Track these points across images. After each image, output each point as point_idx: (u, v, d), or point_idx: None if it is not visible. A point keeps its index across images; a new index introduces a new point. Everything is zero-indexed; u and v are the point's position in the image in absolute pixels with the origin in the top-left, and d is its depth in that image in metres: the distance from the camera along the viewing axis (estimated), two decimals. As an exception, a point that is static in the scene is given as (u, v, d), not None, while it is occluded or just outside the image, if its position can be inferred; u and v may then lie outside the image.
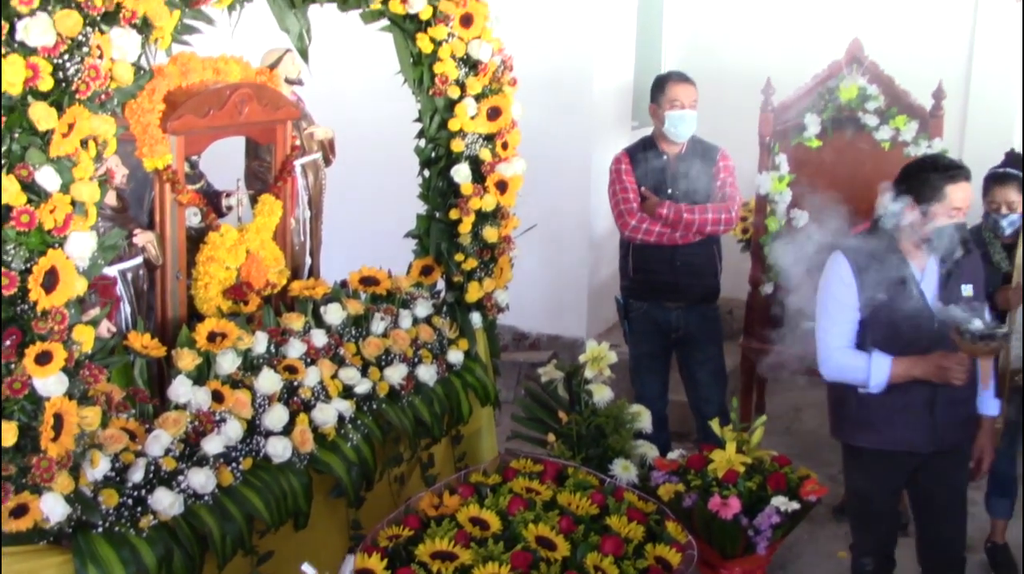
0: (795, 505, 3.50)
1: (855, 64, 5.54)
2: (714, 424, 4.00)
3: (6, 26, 2.44)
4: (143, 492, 2.92)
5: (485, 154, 4.24)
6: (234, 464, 3.20)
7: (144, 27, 2.76)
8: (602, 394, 4.22)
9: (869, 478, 3.75)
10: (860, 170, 5.61)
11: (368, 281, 4.21)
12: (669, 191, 4.81)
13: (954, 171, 3.48)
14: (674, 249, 4.80)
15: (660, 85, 4.84)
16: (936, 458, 3.65)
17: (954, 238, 3.44)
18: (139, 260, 3.54)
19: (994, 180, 4.36)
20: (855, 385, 3.60)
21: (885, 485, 3.75)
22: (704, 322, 4.91)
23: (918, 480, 3.73)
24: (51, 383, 2.59)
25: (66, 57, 2.53)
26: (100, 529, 2.80)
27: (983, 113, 6.58)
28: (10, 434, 2.54)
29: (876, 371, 3.51)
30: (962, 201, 3.44)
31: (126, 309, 3.52)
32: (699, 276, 4.87)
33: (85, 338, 2.69)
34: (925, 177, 3.46)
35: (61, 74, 2.54)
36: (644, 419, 4.18)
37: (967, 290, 3.57)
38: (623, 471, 3.96)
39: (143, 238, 3.52)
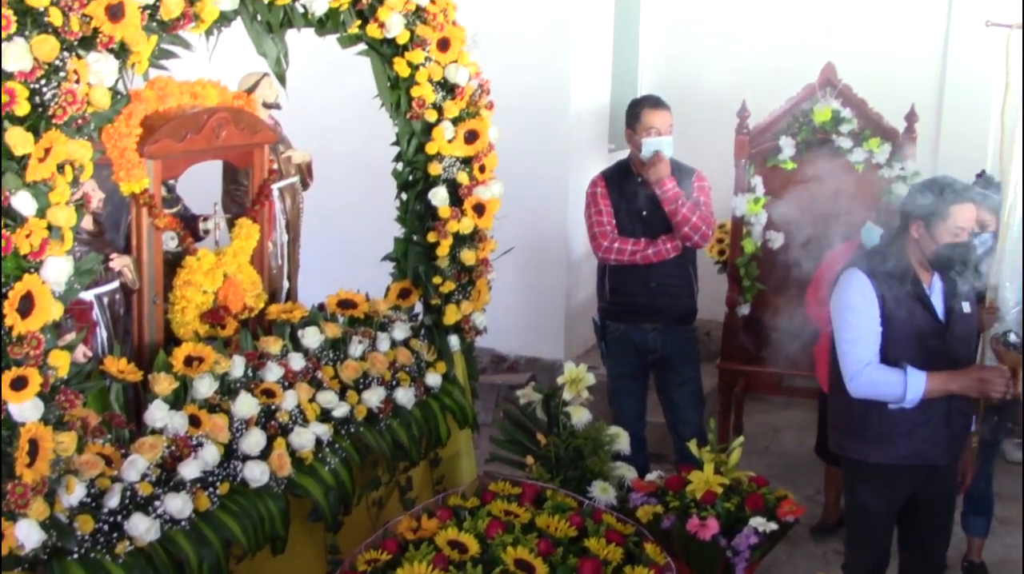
0: (773, 525, 3.52)
1: (829, 87, 5.60)
2: (692, 445, 4.01)
3: (-18, 51, 2.44)
4: (119, 518, 2.90)
5: (463, 177, 4.25)
6: (211, 489, 3.19)
7: (121, 52, 2.77)
8: (580, 416, 4.23)
9: (880, 495, 3.75)
10: (834, 191, 5.66)
11: (346, 304, 4.21)
12: (644, 213, 4.83)
13: (959, 192, 3.59)
14: (649, 270, 4.81)
15: (635, 111, 4.86)
16: (940, 471, 3.69)
17: (959, 257, 3.54)
18: (116, 284, 3.53)
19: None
20: (886, 401, 3.61)
21: (893, 501, 3.77)
22: (681, 343, 4.93)
23: (916, 494, 3.76)
24: (26, 408, 2.57)
25: (43, 82, 2.53)
26: (76, 555, 2.77)
27: (955, 136, 6.66)
28: (-15, 460, 2.52)
29: (913, 386, 3.52)
30: (966, 221, 3.55)
31: (102, 334, 3.51)
32: (675, 297, 4.89)
33: (61, 363, 2.67)
34: (932, 197, 3.54)
35: (38, 99, 2.54)
36: (622, 441, 4.19)
37: (966, 307, 3.65)
38: (601, 493, 3.97)
39: (120, 262, 3.51)
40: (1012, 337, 3.41)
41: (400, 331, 4.23)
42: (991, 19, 4.37)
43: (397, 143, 4.29)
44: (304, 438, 3.52)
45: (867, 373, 3.57)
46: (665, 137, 4.77)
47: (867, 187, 5.48)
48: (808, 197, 5.72)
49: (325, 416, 3.70)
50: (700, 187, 4.87)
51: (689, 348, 4.99)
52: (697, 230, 4.75)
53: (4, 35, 2.45)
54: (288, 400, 3.59)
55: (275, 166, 4.35)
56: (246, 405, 3.43)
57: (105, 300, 3.51)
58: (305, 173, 4.79)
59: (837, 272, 3.77)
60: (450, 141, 4.19)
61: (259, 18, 3.45)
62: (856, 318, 3.60)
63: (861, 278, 3.59)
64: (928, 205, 3.53)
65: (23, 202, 2.53)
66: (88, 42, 2.66)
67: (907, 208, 3.61)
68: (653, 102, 4.86)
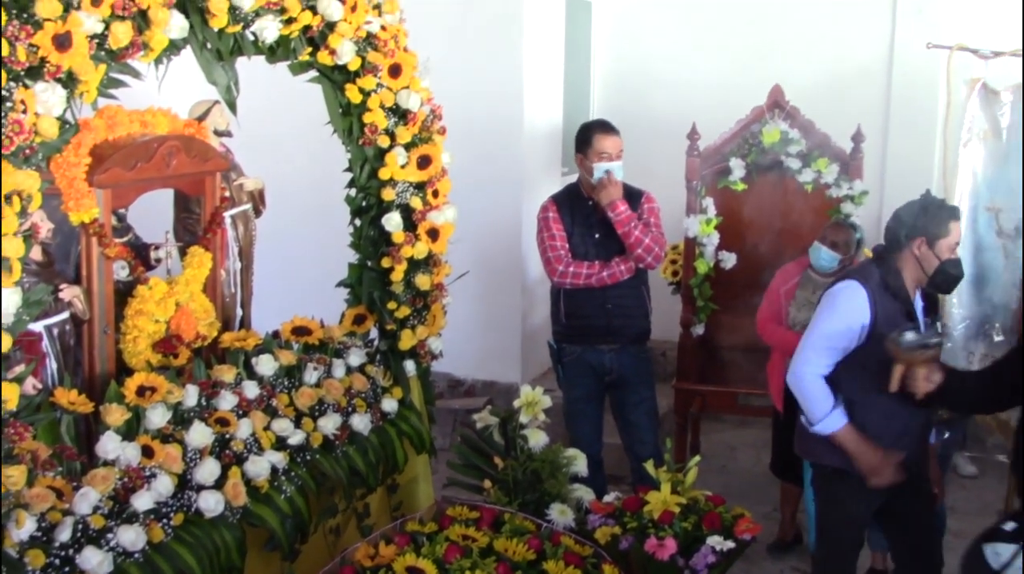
0: (730, 544, 3.54)
1: (777, 109, 5.69)
2: (649, 466, 4.03)
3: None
4: (71, 551, 2.85)
5: (416, 202, 4.26)
6: (165, 520, 3.15)
7: (69, 81, 2.75)
8: (537, 439, 4.23)
9: (858, 494, 3.75)
10: (785, 211, 5.75)
11: (300, 331, 4.19)
12: (596, 235, 4.86)
13: (953, 209, 3.71)
14: (604, 292, 4.84)
15: (585, 136, 4.89)
16: (911, 471, 3.74)
17: (957, 272, 3.64)
18: (65, 315, 3.49)
19: None
20: (801, 409, 3.72)
21: (871, 501, 3.79)
22: (636, 364, 4.96)
23: (893, 503, 3.80)
24: (-26, 442, 2.54)
25: (-11, 112, 2.52)
26: (27, 591, 2.73)
27: (901, 155, 6.77)
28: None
29: (830, 422, 3.62)
30: (959, 237, 3.66)
31: (52, 365, 3.46)
32: (630, 318, 4.92)
33: (10, 395, 2.65)
34: (934, 214, 3.62)
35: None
36: (580, 463, 4.20)
37: (927, 321, 3.76)
38: (560, 515, 3.97)
39: (69, 293, 3.47)
40: (909, 335, 3.47)
41: (355, 357, 4.21)
42: (932, 41, 4.47)
43: (350, 169, 4.29)
44: (259, 466, 3.50)
45: (810, 378, 3.65)
46: (615, 162, 4.81)
47: (816, 207, 5.56)
48: (759, 217, 5.81)
49: (280, 444, 3.68)
50: (650, 209, 4.91)
51: (644, 369, 5.02)
52: (650, 251, 4.78)
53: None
54: (243, 429, 3.56)
55: (227, 194, 4.33)
56: (200, 434, 3.40)
57: (55, 331, 3.47)
58: (257, 200, 4.77)
59: (833, 282, 3.81)
60: (403, 167, 4.20)
61: (209, 46, 3.44)
62: (837, 328, 3.65)
63: (860, 293, 3.64)
64: (930, 222, 3.60)
65: (-30, 233, 2.51)
66: (35, 72, 2.65)
67: (907, 225, 3.66)
68: (603, 127, 4.89)
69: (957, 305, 4.23)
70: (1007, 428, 4.18)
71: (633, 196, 4.92)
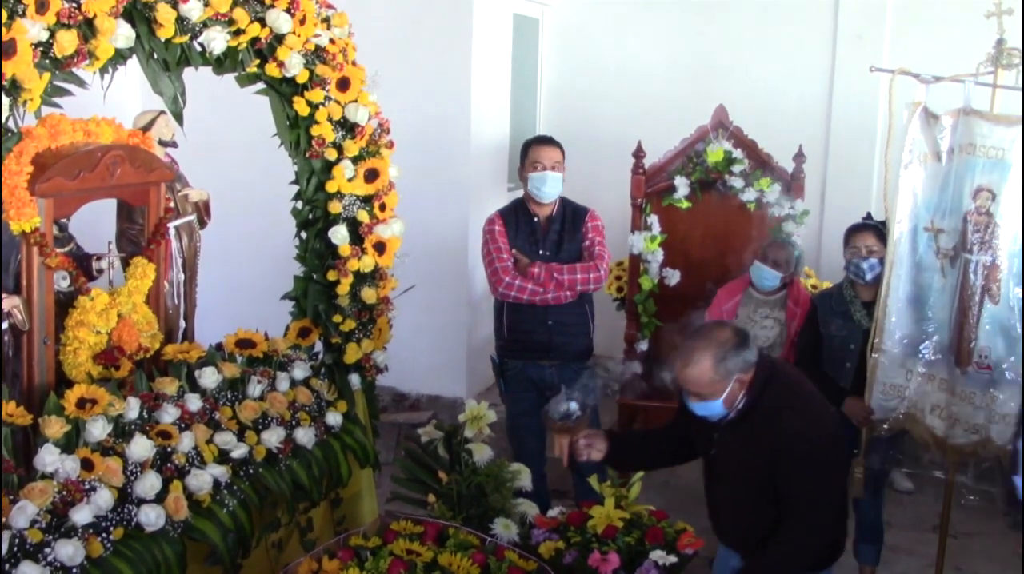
0: (673, 558, 3.56)
1: (721, 129, 5.77)
2: (593, 481, 4.05)
3: None
4: (7, 566, 2.81)
5: (363, 215, 4.25)
6: (104, 534, 3.10)
7: (13, 89, 2.72)
8: (482, 453, 4.23)
9: None
10: (728, 229, 5.83)
11: (244, 343, 4.16)
12: (540, 251, 4.90)
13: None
14: (546, 309, 4.87)
15: (525, 148, 4.97)
16: None
17: None
18: (4, 325, 3.43)
19: (854, 230, 4.58)
20: None
21: None
22: (579, 379, 4.98)
23: None
24: (-92, 455, 2.48)
25: (-71, 118, 2.48)
26: (-40, 607, 2.68)
27: (841, 176, 6.91)
28: None
29: None
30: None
31: (-10, 376, 3.40)
32: (572, 335, 4.95)
33: (-54, 407, 2.59)
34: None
35: (-76, 135, 2.48)
36: (524, 477, 4.20)
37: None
38: (504, 530, 3.97)
39: (8, 303, 3.41)
40: (555, 408, 3.58)
41: (300, 370, 4.19)
42: (874, 64, 4.57)
43: (296, 182, 4.28)
44: (201, 480, 3.46)
45: None
46: (551, 172, 4.86)
47: (758, 225, 5.64)
48: (703, 235, 5.88)
49: (223, 457, 3.64)
50: (594, 226, 4.96)
51: (587, 384, 5.04)
52: (587, 283, 4.85)
53: None
54: (185, 442, 3.52)
55: (171, 204, 4.29)
56: (141, 447, 3.36)
57: (-7, 342, 3.41)
58: (202, 211, 4.73)
59: None
60: (350, 180, 4.19)
61: (156, 56, 3.42)
62: None
63: None
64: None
65: (-93, 241, 2.46)
66: (-23, 79, 2.61)
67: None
68: (540, 139, 5.02)
69: (896, 323, 4.30)
70: (943, 445, 4.26)
71: (577, 213, 4.96)
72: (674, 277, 5.80)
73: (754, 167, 5.71)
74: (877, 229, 4.49)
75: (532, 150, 4.90)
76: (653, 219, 5.82)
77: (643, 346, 5.83)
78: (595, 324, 5.07)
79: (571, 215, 4.95)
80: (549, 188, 4.89)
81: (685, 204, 5.81)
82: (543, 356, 4.93)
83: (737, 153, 5.71)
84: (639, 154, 5.79)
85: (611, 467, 3.57)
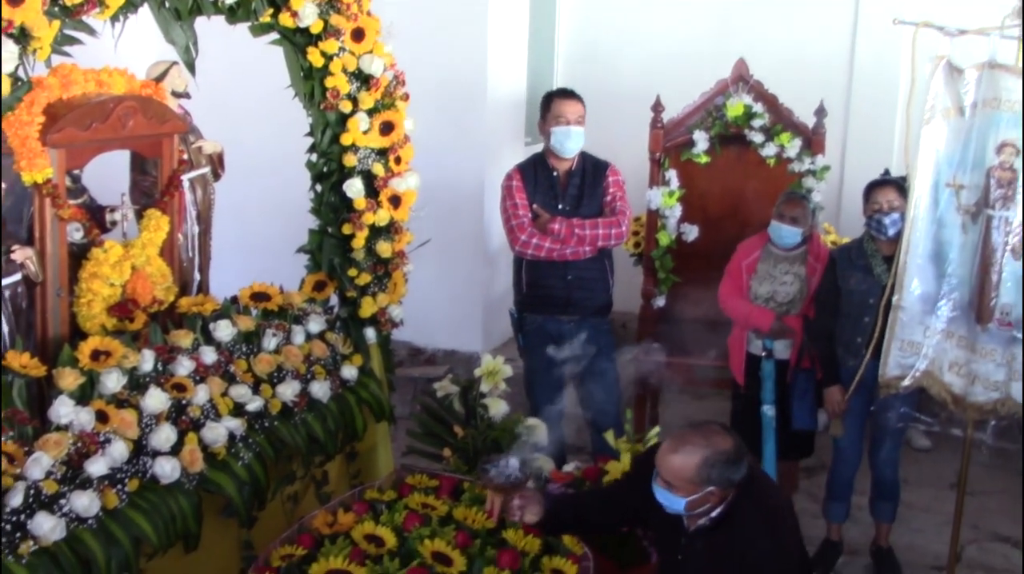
0: (687, 514, 3.55)
1: (741, 83, 5.68)
2: (609, 436, 4.04)
3: None
4: (23, 517, 2.81)
5: (378, 169, 4.22)
6: (120, 486, 3.11)
7: (22, 37, 2.69)
8: (498, 408, 4.23)
9: None
10: (747, 185, 5.76)
11: (259, 297, 4.15)
12: (560, 206, 4.85)
13: None
14: (566, 264, 4.83)
15: (546, 101, 4.89)
16: None
17: None
18: (18, 277, 3.41)
19: (875, 185, 4.52)
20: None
21: None
22: (597, 335, 4.96)
23: None
24: (-78, 405, 2.48)
25: (-62, 66, 2.45)
26: (-24, 557, 2.69)
27: (862, 132, 6.81)
28: None
29: None
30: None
31: (4, 327, 3.39)
32: (591, 290, 4.91)
33: (-41, 358, 2.59)
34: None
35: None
36: (540, 432, 4.20)
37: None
38: (519, 484, 3.97)
39: (21, 254, 3.40)
40: (492, 470, 3.46)
41: (315, 324, 4.18)
42: (898, 17, 4.47)
43: (311, 134, 4.24)
44: (216, 433, 3.46)
45: None
46: (575, 126, 4.80)
47: (778, 181, 5.57)
48: (722, 190, 5.82)
49: (238, 410, 3.64)
50: (615, 181, 4.91)
51: (605, 340, 5.02)
52: (608, 239, 4.80)
53: None
54: (200, 394, 3.52)
55: (185, 156, 4.25)
56: (156, 400, 3.36)
57: (6, 293, 3.39)
58: (216, 164, 4.69)
59: None
60: (365, 132, 4.15)
61: (167, 5, 3.38)
62: None
63: None
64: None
65: (-83, 190, 2.44)
66: (-14, 26, 2.58)
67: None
68: (563, 92, 4.92)
69: (915, 280, 4.24)
70: (962, 402, 4.22)
71: (597, 168, 4.91)
72: (692, 233, 5.74)
73: (774, 122, 5.63)
74: (898, 184, 4.43)
75: (555, 103, 4.84)
76: (671, 174, 5.75)
77: (660, 302, 5.79)
78: (614, 279, 5.04)
79: (591, 170, 4.90)
80: (573, 143, 4.83)
81: (704, 159, 5.74)
82: (562, 311, 4.91)
83: (757, 107, 5.63)
84: (658, 108, 5.71)
85: (544, 532, 3.39)
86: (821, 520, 4.85)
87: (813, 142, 5.59)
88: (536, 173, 4.91)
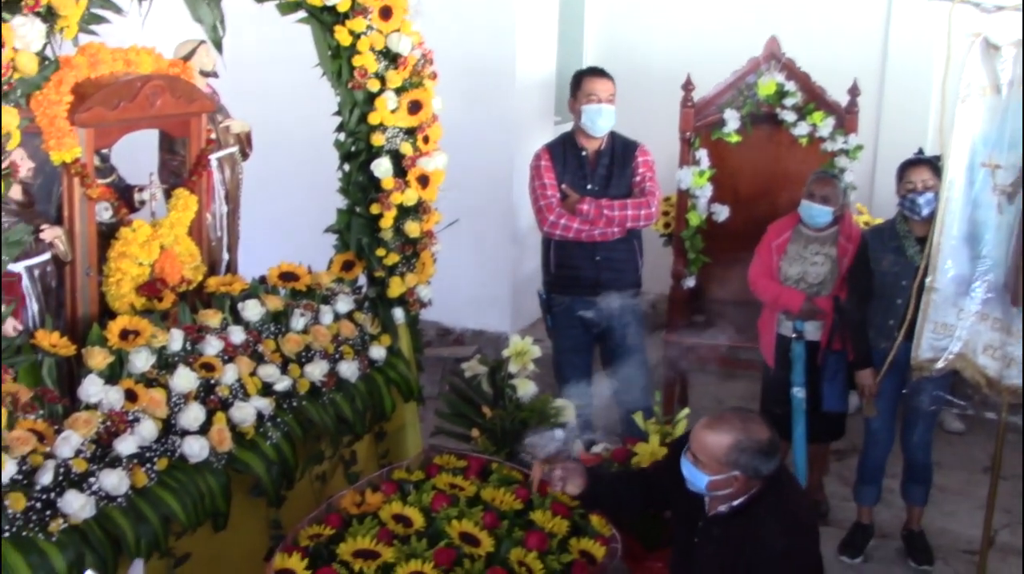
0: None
1: (773, 61, 5.61)
2: (637, 417, 4.02)
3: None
4: (52, 495, 2.83)
5: (406, 148, 4.20)
6: (149, 465, 3.12)
7: (49, 16, 2.69)
8: (526, 389, 4.22)
9: None
10: (778, 165, 5.70)
11: (288, 277, 4.15)
12: (589, 187, 4.81)
13: None
14: (595, 244, 4.80)
15: (577, 80, 4.86)
16: None
17: None
18: (47, 256, 3.43)
19: (909, 164, 4.46)
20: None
21: None
22: (626, 316, 4.93)
23: None
24: (-48, 384, 2.49)
25: (-35, 46, 2.45)
26: (7, 534, 2.71)
27: (896, 111, 6.72)
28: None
29: None
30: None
31: (33, 306, 3.40)
32: (620, 271, 4.88)
33: (-12, 336, 2.60)
34: None
35: (-40, 63, 2.45)
36: (568, 413, 4.18)
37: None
38: (547, 465, 3.96)
39: (51, 233, 3.41)
40: (532, 437, 3.58)
41: (343, 304, 4.17)
42: (933, -6, 4.40)
43: (339, 113, 4.22)
44: (245, 412, 3.47)
45: None
46: (606, 105, 4.76)
47: (810, 160, 5.51)
48: (753, 170, 5.76)
49: (267, 390, 3.65)
50: (644, 161, 4.87)
51: (634, 321, 4.99)
52: (637, 220, 4.77)
53: (-77, -5, 2.36)
54: (228, 374, 3.52)
55: (213, 136, 4.24)
56: (185, 379, 3.37)
57: (36, 272, 3.40)
58: (244, 143, 4.69)
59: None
60: (393, 111, 4.13)
61: (194, -18, 3.36)
62: None
63: None
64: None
65: (-54, 170, 2.45)
66: (13, 5, 2.58)
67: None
68: (594, 71, 4.89)
69: (948, 262, 4.18)
70: (997, 385, 4.17)
71: (627, 148, 4.87)
72: (722, 213, 5.69)
73: (807, 100, 5.56)
74: (932, 164, 4.36)
75: (586, 82, 4.80)
76: (702, 153, 5.69)
77: (690, 283, 5.75)
78: (643, 260, 5.00)
79: (621, 149, 4.86)
80: (604, 121, 4.79)
81: (735, 138, 5.68)
82: (590, 292, 4.88)
83: (790, 86, 5.56)
84: (688, 87, 5.65)
85: (582, 504, 3.43)
86: (852, 503, 4.81)
87: (846, 121, 5.51)
88: (565, 153, 4.87)
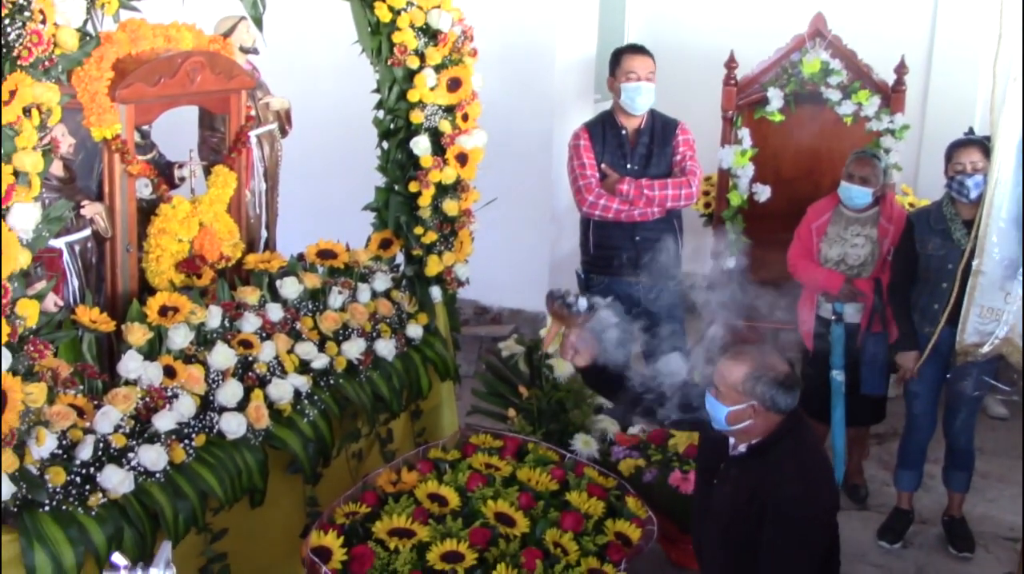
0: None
1: (818, 38, 5.53)
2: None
3: (-58, -12, 2.35)
4: (92, 470, 2.86)
5: (445, 126, 4.18)
6: (187, 441, 3.14)
7: (90, -9, 2.68)
8: (563, 369, 4.20)
9: None
10: (822, 144, 5.62)
11: (326, 254, 4.15)
12: (628, 166, 4.77)
13: None
14: (634, 225, 4.76)
15: (616, 58, 4.80)
16: None
17: None
18: (87, 232, 3.45)
19: (958, 145, 4.36)
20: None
21: None
22: (665, 297, 4.89)
23: None
24: (-7, 358, 2.51)
25: (7, 22, 2.45)
26: (47, 508, 2.74)
27: (944, 89, 6.59)
28: (-49, 411, 2.46)
29: None
30: None
31: (74, 282, 3.43)
32: (659, 251, 4.83)
33: (30, 312, 2.62)
34: None
35: (2, 39, 2.45)
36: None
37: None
38: (584, 446, 3.95)
39: (91, 209, 3.43)
40: (557, 292, 3.46)
41: (381, 282, 4.17)
42: (984, -29, 4.30)
43: (378, 90, 4.21)
44: (282, 390, 3.48)
45: None
46: (645, 83, 4.70)
47: (855, 140, 5.43)
48: (796, 150, 5.68)
49: (304, 367, 3.66)
50: (684, 140, 4.81)
51: (673, 302, 4.95)
52: (677, 200, 4.72)
53: (-35, -29, 2.36)
54: (266, 351, 3.54)
55: (252, 112, 4.26)
56: (223, 356, 3.38)
57: (76, 248, 3.43)
58: (284, 120, 4.70)
59: None
60: (432, 89, 4.11)
61: (235, -41, 3.35)
62: None
63: None
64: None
65: (-13, 146, 2.46)
66: (55, -20, 2.57)
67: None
68: (634, 48, 4.82)
69: (996, 244, 4.11)
70: (1042, 370, 4.10)
71: (667, 126, 4.82)
72: (764, 193, 5.62)
73: (852, 79, 5.48)
74: (983, 144, 4.27)
75: (625, 59, 4.74)
76: (744, 132, 5.63)
77: (730, 263, 5.70)
78: (683, 240, 4.95)
79: (660, 128, 4.80)
80: (644, 99, 4.74)
81: (778, 117, 5.60)
82: (630, 273, 4.84)
83: (835, 64, 5.47)
84: (731, 64, 5.58)
85: (585, 380, 3.54)
86: (891, 488, 4.76)
87: (892, 100, 5.43)
88: (604, 131, 4.83)
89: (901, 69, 5.42)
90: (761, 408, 2.95)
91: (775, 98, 5.56)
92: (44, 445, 2.71)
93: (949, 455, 4.60)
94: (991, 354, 4.23)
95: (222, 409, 3.31)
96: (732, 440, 3.09)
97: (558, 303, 3.41)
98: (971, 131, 4.55)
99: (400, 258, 4.42)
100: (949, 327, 4.22)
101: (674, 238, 4.87)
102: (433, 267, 4.33)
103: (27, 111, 2.54)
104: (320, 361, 3.71)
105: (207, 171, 3.97)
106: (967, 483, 4.62)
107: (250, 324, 3.58)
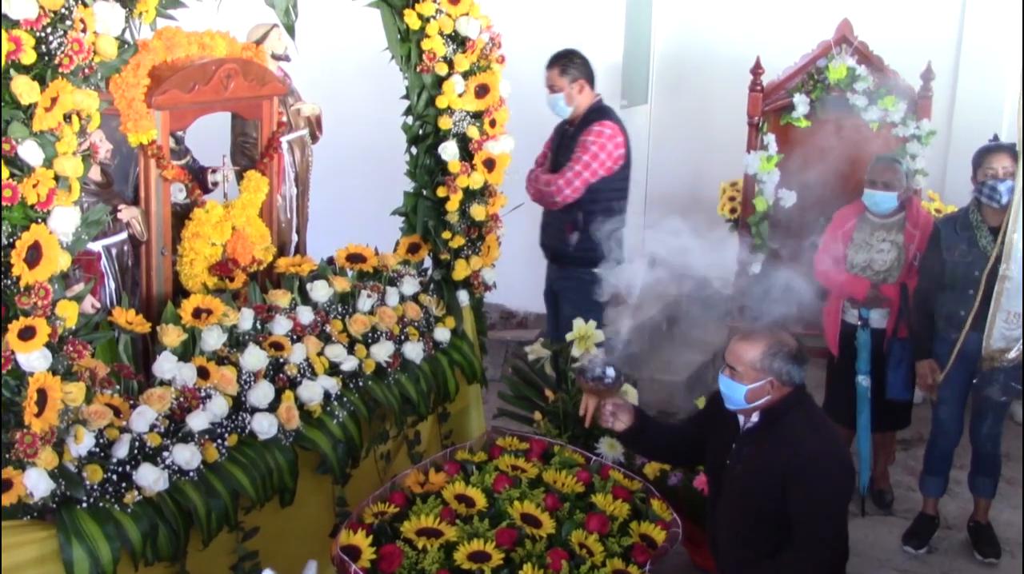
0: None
1: (844, 44, 5.54)
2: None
3: (-12, -1, 2.41)
4: (128, 468, 2.91)
5: (473, 132, 4.23)
6: (219, 440, 3.20)
7: (128, 1, 2.74)
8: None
9: None
10: (848, 150, 5.62)
11: (355, 258, 4.20)
12: (558, 159, 4.88)
13: None
14: (549, 212, 4.89)
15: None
16: None
17: None
18: (124, 236, 3.52)
19: (987, 151, 4.35)
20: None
21: None
22: (565, 285, 4.94)
23: None
24: (34, 358, 2.57)
25: (49, 30, 2.51)
26: (84, 505, 2.79)
27: (971, 95, 6.56)
28: (-7, 409, 2.53)
29: None
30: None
31: (111, 285, 3.51)
32: (556, 241, 4.91)
33: (69, 313, 2.67)
34: None
35: (44, 47, 2.51)
36: (631, 397, 4.19)
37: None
38: (609, 449, 3.98)
39: (128, 213, 3.50)
40: (586, 366, 3.66)
41: (409, 286, 4.22)
42: (1012, -25, 4.30)
43: (407, 96, 4.26)
44: (312, 391, 3.53)
45: None
46: (550, 95, 4.84)
47: (881, 146, 5.43)
48: (821, 156, 5.69)
49: (333, 370, 3.71)
50: (582, 141, 4.78)
51: (572, 293, 4.97)
52: (545, 194, 4.78)
53: (10, -18, 2.42)
54: (296, 353, 3.59)
55: (284, 118, 4.32)
56: (255, 358, 3.43)
57: (113, 251, 3.51)
58: (314, 126, 4.76)
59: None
60: (460, 95, 4.16)
61: (268, -32, 3.41)
62: None
63: None
64: None
65: (30, 151, 2.51)
66: (95, -10, 2.63)
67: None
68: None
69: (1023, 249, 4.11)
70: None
71: (587, 123, 4.82)
72: (790, 199, 5.63)
73: (879, 85, 5.48)
74: (1012, 150, 4.26)
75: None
76: (770, 138, 5.64)
77: (755, 269, 5.71)
78: (581, 235, 4.92)
79: (582, 124, 4.82)
80: (553, 108, 4.87)
81: (804, 123, 5.62)
82: (550, 259, 4.93)
83: (861, 70, 5.48)
84: (757, 70, 5.60)
85: (623, 443, 3.72)
86: (917, 493, 4.75)
87: (919, 106, 5.43)
88: (562, 128, 4.99)
89: (928, 75, 5.42)
90: (778, 383, 3.11)
91: (801, 104, 5.57)
92: (82, 443, 2.77)
93: (975, 461, 4.58)
94: (1017, 359, 4.22)
95: (254, 410, 3.36)
96: (741, 418, 3.22)
97: (592, 381, 3.60)
98: (996, 138, 4.55)
99: (428, 262, 4.47)
100: (975, 333, 4.22)
101: (562, 230, 4.87)
102: (460, 271, 4.37)
103: (67, 117, 2.60)
104: (349, 363, 3.76)
105: (239, 176, 4.03)
106: (993, 489, 4.61)
107: (281, 326, 3.63)
